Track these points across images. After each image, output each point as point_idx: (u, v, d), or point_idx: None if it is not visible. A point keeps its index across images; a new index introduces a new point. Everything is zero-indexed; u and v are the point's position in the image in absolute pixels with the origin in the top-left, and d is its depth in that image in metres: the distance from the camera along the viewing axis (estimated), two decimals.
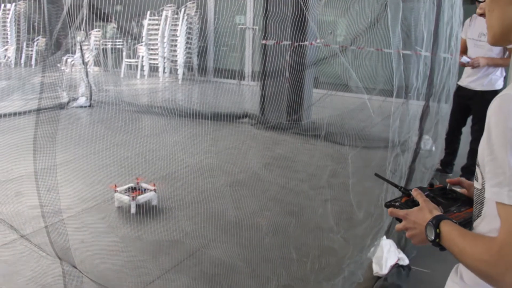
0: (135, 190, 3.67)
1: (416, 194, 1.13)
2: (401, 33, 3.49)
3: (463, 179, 1.23)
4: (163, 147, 5.21)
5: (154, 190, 3.71)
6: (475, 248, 0.91)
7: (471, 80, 4.15)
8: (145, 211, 3.59)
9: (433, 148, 4.31)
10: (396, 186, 1.27)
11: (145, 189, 3.71)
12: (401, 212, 1.11)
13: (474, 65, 4.00)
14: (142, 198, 3.59)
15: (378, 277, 2.74)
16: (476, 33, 4.09)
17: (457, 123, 4.38)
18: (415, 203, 1.12)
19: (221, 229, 3.38)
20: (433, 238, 0.99)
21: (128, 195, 3.57)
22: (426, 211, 1.06)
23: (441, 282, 1.17)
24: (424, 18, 3.53)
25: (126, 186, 3.71)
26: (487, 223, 0.97)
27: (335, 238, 3.15)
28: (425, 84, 3.41)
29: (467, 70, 4.20)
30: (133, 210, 3.54)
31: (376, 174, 1.36)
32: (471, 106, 4.23)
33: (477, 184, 1.00)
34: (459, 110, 4.30)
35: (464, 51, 4.21)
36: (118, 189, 3.66)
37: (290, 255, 2.97)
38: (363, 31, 5.09)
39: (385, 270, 2.67)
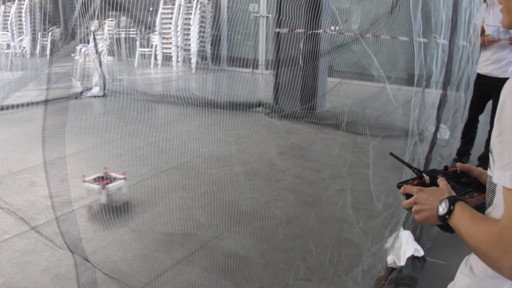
0: (104, 179, 3.49)
1: (441, 181, 1.11)
2: (421, 19, 3.40)
3: (473, 166, 1.21)
4: (177, 137, 5.20)
5: (124, 178, 3.55)
6: (479, 229, 0.90)
7: (494, 68, 4.04)
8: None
9: (449, 137, 4.23)
10: (410, 167, 1.27)
11: (114, 178, 3.55)
12: (414, 188, 1.11)
13: None
14: (112, 186, 3.44)
15: (393, 269, 2.69)
16: (497, 19, 3.96)
17: (475, 111, 4.27)
18: (426, 186, 1.13)
19: (234, 219, 3.36)
20: (445, 212, 0.98)
21: (98, 185, 3.41)
22: (446, 191, 1.06)
23: None
24: (442, 4, 3.42)
25: (94, 176, 3.55)
26: (499, 211, 0.93)
27: (353, 229, 3.10)
28: (443, 72, 3.32)
29: (488, 57, 4.08)
30: (103, 199, 3.41)
31: (391, 154, 1.35)
32: (491, 94, 4.11)
33: (489, 172, 0.97)
34: (478, 98, 4.19)
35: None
36: (86, 179, 3.51)
37: (305, 246, 2.94)
38: (379, 18, 4.98)
39: (402, 262, 2.62)
